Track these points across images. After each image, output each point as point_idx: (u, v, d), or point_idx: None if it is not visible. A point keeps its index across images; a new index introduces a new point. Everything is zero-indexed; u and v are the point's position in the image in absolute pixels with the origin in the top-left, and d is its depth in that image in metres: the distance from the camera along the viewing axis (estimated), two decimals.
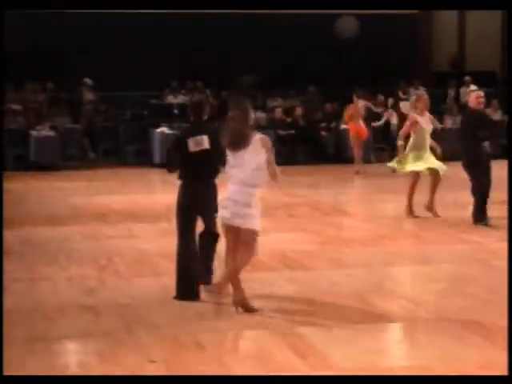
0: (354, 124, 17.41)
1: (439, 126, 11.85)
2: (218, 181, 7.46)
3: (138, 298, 7.47)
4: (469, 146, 10.52)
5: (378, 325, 6.66)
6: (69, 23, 20.90)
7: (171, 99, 21.13)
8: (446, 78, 23.15)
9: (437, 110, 17.20)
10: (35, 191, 14.84)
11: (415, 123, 11.33)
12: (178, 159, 7.48)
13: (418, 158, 11.29)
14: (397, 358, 6.03)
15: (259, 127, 15.92)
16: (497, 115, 20.37)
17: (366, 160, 18.26)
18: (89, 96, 20.38)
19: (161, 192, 15.61)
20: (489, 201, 10.71)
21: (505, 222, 10.43)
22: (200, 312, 6.99)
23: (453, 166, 11.80)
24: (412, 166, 11.37)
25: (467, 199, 11.02)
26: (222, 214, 6.89)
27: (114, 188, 15.29)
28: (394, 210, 12.17)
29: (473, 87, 21.82)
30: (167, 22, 21.54)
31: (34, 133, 18.22)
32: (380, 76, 21.42)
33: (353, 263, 8.86)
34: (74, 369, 5.74)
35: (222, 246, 7.40)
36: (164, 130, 18.67)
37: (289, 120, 19.66)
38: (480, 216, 10.58)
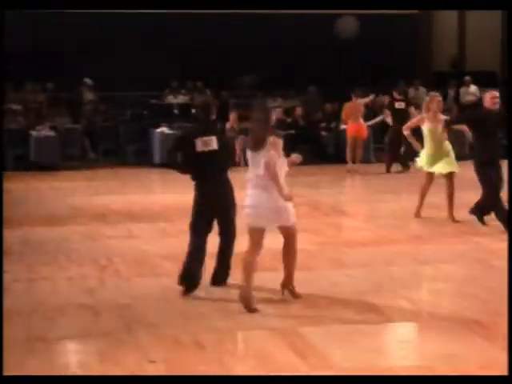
0: (353, 123, 17.40)
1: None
2: (230, 176, 7.65)
3: (138, 298, 7.47)
4: (482, 146, 10.26)
5: (377, 325, 6.66)
6: (69, 23, 20.90)
7: (171, 99, 21.12)
8: (445, 78, 23.13)
9: None
10: (35, 191, 14.83)
11: (422, 119, 11.27)
12: (176, 158, 7.55)
13: (432, 160, 11.12)
14: (397, 357, 6.02)
15: None
16: None
17: (366, 160, 18.27)
18: (89, 96, 20.38)
19: (160, 192, 15.64)
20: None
21: None
22: (200, 312, 7.00)
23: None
24: (427, 167, 11.21)
25: (467, 199, 11.00)
26: (255, 221, 7.05)
27: (113, 188, 15.28)
28: (394, 210, 12.16)
29: (473, 87, 21.90)
30: (167, 21, 21.53)
31: (33, 133, 18.21)
32: (380, 76, 21.41)
33: (353, 263, 8.85)
34: (73, 369, 5.73)
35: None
36: (164, 130, 18.66)
37: (289, 120, 19.66)
38: (481, 214, 10.50)
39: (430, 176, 11.30)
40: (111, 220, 11.61)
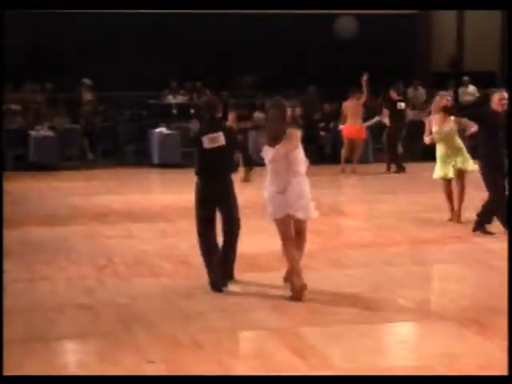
0: (350, 123, 17.32)
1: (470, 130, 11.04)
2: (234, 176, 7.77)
3: (137, 298, 7.46)
4: (488, 149, 10.03)
5: (377, 325, 6.65)
6: (68, 23, 20.86)
7: (170, 99, 21.11)
8: (444, 78, 23.11)
9: None
10: (34, 191, 14.82)
11: (428, 123, 11.14)
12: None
13: (446, 158, 11.01)
14: (396, 357, 6.02)
15: (259, 127, 15.95)
16: None
17: (364, 160, 18.25)
18: (88, 96, 20.35)
19: (160, 192, 15.64)
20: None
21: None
22: (199, 312, 6.99)
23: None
24: (437, 173, 11.10)
25: (467, 200, 11.00)
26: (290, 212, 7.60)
27: (112, 188, 15.27)
28: (394, 210, 12.15)
29: (471, 88, 21.89)
30: (167, 21, 21.50)
31: (33, 133, 18.19)
32: (380, 76, 21.39)
33: (353, 263, 8.85)
34: (73, 369, 5.73)
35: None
36: (163, 130, 18.65)
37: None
38: (482, 227, 10.26)
39: (445, 180, 11.11)
40: (110, 220, 11.61)
